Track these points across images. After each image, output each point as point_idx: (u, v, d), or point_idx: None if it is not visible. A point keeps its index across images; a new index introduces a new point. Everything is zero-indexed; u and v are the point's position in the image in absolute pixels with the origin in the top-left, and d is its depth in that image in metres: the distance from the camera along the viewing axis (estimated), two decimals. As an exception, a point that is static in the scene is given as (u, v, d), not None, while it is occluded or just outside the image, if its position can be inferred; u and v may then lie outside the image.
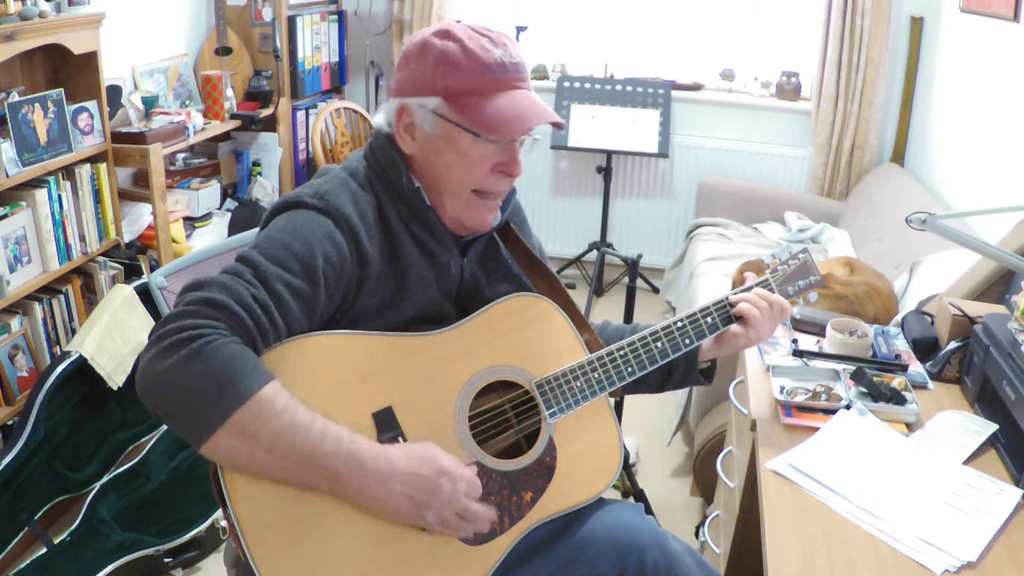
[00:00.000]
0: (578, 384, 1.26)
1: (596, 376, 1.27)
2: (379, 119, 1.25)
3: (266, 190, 3.41)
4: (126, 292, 2.18)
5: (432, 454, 1.08)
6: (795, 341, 1.79)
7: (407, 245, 1.21)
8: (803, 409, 1.54)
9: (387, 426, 1.13)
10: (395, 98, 1.22)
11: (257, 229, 1.21)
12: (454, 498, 1.07)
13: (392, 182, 1.22)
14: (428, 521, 1.07)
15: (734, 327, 1.36)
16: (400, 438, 1.14)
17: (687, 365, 1.41)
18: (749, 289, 1.39)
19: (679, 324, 1.33)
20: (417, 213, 1.23)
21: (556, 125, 1.22)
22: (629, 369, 1.29)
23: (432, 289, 1.23)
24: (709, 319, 1.34)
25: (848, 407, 1.53)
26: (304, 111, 3.71)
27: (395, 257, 1.21)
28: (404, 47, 1.24)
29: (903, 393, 1.56)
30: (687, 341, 1.33)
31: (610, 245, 4.07)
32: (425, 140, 1.21)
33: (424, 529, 1.11)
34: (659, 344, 1.31)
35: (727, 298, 1.37)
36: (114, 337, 2.13)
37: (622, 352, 1.29)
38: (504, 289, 1.33)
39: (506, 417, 1.26)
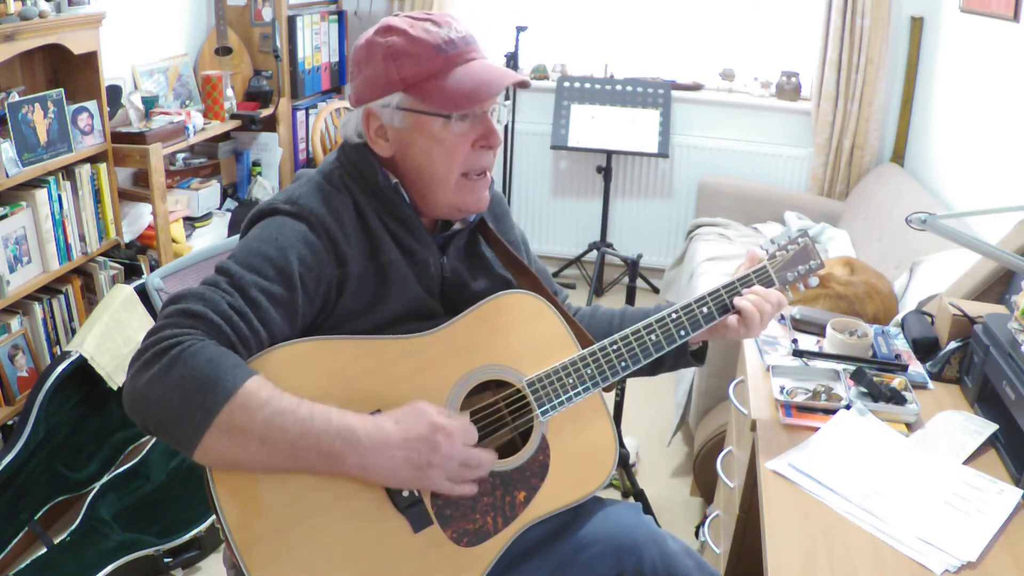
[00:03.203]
0: (570, 381, 1.25)
1: (588, 372, 1.26)
2: (347, 131, 1.25)
3: (266, 190, 3.41)
4: (126, 292, 2.18)
5: (421, 411, 1.08)
6: (795, 341, 1.79)
7: (386, 243, 1.21)
8: (803, 409, 1.54)
9: None
10: (357, 107, 1.22)
11: (238, 237, 1.22)
12: (454, 451, 1.08)
13: (367, 180, 1.22)
14: (433, 480, 1.07)
15: (731, 320, 1.34)
16: None
17: (677, 351, 1.38)
18: (746, 278, 1.38)
19: (673, 315, 1.31)
20: (393, 210, 1.22)
21: (521, 84, 1.23)
22: (623, 363, 1.28)
23: (414, 286, 1.23)
24: (704, 309, 1.33)
25: (848, 407, 1.53)
26: (304, 111, 3.71)
27: (375, 255, 1.20)
28: (352, 54, 1.24)
29: (903, 393, 1.56)
30: (682, 333, 1.31)
31: (610, 245, 4.07)
32: (398, 138, 1.21)
33: (431, 494, 1.11)
34: (652, 337, 1.30)
35: (722, 288, 1.35)
36: (114, 337, 2.13)
37: (615, 346, 1.28)
38: (487, 286, 1.32)
39: (500, 416, 1.25)
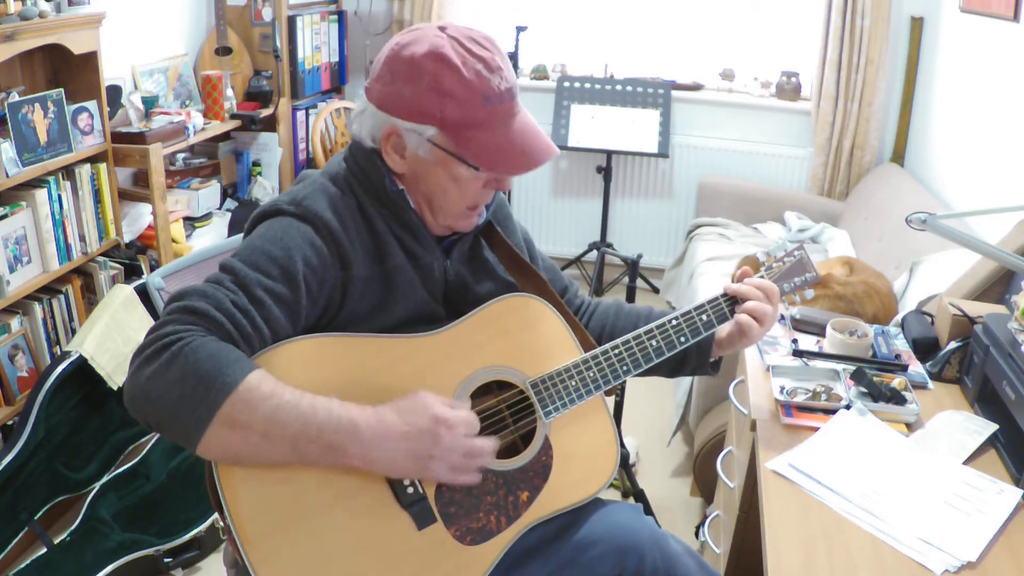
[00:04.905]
0: (573, 383, 1.26)
1: (591, 375, 1.27)
2: (360, 132, 1.22)
3: (266, 190, 3.41)
4: (126, 292, 2.18)
5: (423, 403, 1.08)
6: (795, 341, 1.79)
7: (393, 247, 1.21)
8: (803, 409, 1.54)
9: None
10: (380, 112, 1.18)
11: (242, 236, 1.22)
12: (456, 442, 1.08)
13: (373, 184, 1.22)
14: (435, 471, 1.08)
15: (742, 318, 1.34)
16: None
17: (699, 358, 1.41)
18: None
19: (674, 322, 1.32)
20: (399, 215, 1.22)
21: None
22: (624, 367, 1.29)
23: (419, 290, 1.23)
24: (704, 316, 1.34)
25: (848, 407, 1.53)
26: (304, 111, 3.71)
27: (382, 259, 1.20)
28: (387, 57, 1.17)
29: (903, 393, 1.56)
30: (682, 339, 1.32)
31: (610, 245, 4.07)
32: (417, 163, 1.20)
33: (432, 485, 1.11)
34: (654, 342, 1.31)
35: (721, 296, 1.36)
36: (114, 337, 2.13)
37: (616, 351, 1.29)
38: (491, 289, 1.33)
39: (502, 417, 1.26)
